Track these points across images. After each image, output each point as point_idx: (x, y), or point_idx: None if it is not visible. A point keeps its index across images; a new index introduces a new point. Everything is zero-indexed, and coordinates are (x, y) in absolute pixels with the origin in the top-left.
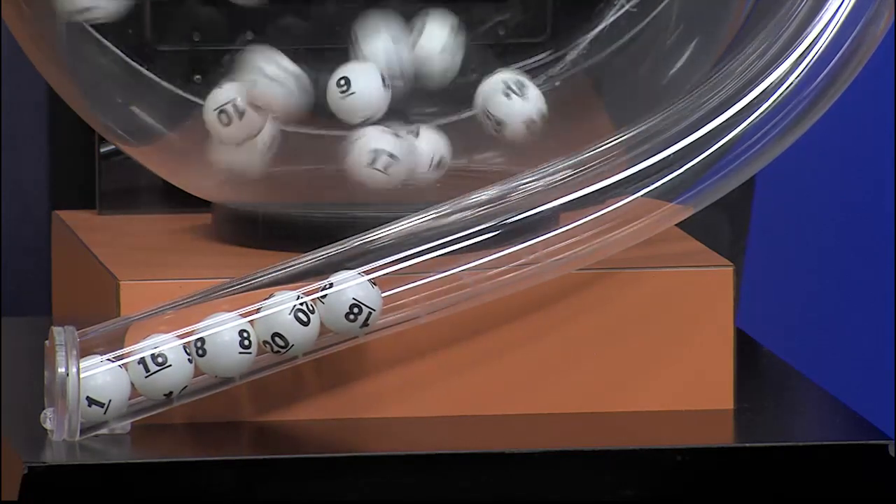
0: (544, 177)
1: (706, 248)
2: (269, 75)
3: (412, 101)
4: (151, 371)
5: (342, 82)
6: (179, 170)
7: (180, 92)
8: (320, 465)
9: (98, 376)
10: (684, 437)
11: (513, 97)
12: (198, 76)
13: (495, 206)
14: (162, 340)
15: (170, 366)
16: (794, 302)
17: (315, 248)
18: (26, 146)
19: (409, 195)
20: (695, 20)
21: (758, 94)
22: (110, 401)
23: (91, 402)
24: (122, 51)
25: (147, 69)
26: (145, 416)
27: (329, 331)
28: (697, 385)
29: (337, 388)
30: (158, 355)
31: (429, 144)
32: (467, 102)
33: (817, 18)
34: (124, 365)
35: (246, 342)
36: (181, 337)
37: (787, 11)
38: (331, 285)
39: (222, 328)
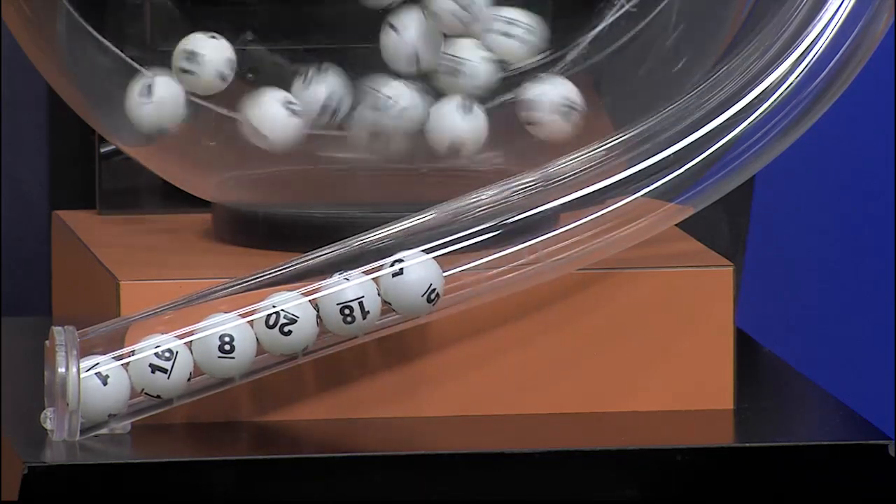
0: (544, 177)
1: (706, 248)
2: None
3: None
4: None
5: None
6: (179, 170)
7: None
8: (320, 465)
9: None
10: (684, 437)
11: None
12: None
13: (495, 206)
14: (164, 340)
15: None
16: (794, 302)
17: (315, 248)
18: (26, 146)
19: (409, 195)
20: (695, 20)
21: (758, 94)
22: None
23: (154, 368)
24: (122, 51)
25: (147, 69)
26: (145, 416)
27: (328, 331)
28: (697, 385)
29: (337, 388)
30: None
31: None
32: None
33: (817, 18)
34: (126, 365)
35: (227, 347)
36: (181, 337)
37: (787, 11)
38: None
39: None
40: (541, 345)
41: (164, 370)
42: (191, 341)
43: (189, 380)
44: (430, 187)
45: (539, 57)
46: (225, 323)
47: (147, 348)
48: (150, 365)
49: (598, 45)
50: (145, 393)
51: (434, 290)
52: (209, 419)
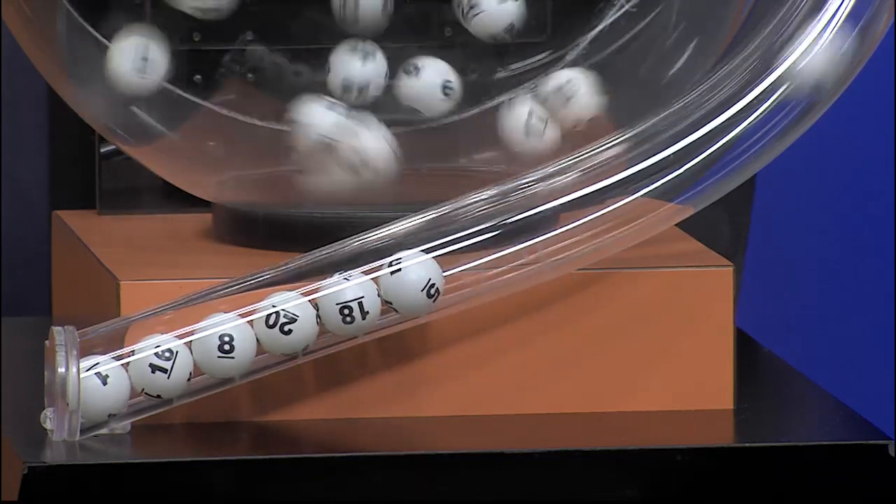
0: (544, 177)
1: (706, 248)
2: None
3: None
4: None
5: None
6: (179, 170)
7: (180, 92)
8: (320, 465)
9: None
10: (684, 437)
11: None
12: (198, 76)
13: (495, 206)
14: (164, 340)
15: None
16: (794, 302)
17: (315, 248)
18: (26, 146)
19: (409, 195)
20: (695, 20)
21: (758, 94)
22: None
23: (154, 368)
24: None
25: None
26: (145, 416)
27: (327, 331)
28: (697, 385)
29: (337, 388)
30: (165, 350)
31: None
32: (466, 103)
33: (817, 18)
34: (125, 365)
35: (227, 346)
36: (181, 336)
37: (787, 11)
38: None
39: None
40: (541, 345)
41: (164, 370)
42: (191, 341)
43: (189, 380)
44: (430, 187)
45: (539, 56)
46: (225, 323)
47: (147, 348)
48: (150, 365)
49: (598, 45)
50: (145, 393)
51: (433, 285)
52: (209, 419)
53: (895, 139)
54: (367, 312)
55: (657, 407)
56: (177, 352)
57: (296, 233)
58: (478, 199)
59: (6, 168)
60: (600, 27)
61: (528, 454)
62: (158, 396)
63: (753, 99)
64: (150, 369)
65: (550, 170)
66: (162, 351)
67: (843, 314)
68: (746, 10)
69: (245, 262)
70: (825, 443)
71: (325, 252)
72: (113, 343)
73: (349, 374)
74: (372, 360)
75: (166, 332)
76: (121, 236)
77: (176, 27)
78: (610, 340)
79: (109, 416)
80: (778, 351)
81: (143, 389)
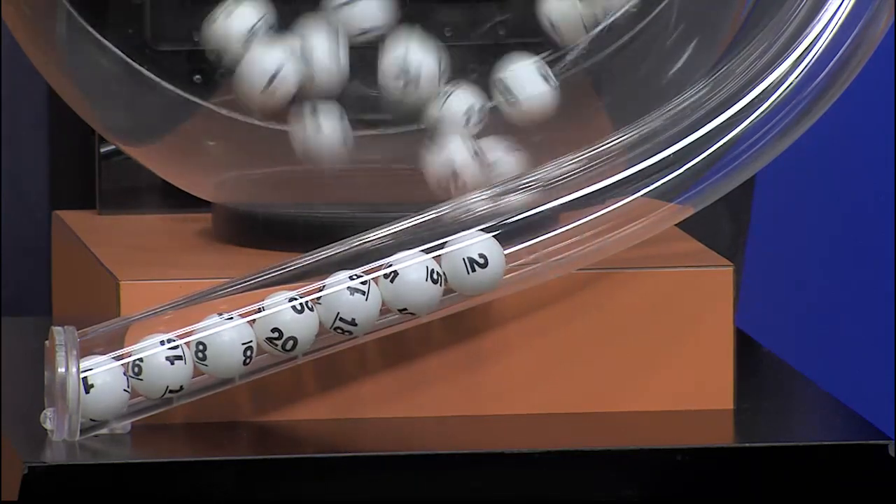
0: (544, 177)
1: (706, 247)
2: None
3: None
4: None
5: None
6: (179, 170)
7: (180, 92)
8: (320, 465)
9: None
10: (684, 437)
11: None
12: (198, 76)
13: (495, 206)
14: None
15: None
16: (794, 302)
17: (315, 248)
18: (26, 146)
19: (409, 195)
20: (695, 20)
21: (758, 94)
22: (181, 386)
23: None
24: (122, 51)
25: (147, 69)
26: (145, 416)
27: (325, 331)
28: (697, 385)
29: (337, 388)
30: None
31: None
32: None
33: (817, 18)
34: (126, 365)
35: (248, 352)
36: (181, 337)
37: (787, 11)
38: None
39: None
40: (541, 345)
41: (180, 357)
42: (191, 342)
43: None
44: (430, 187)
45: (539, 56)
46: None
47: (152, 346)
48: (167, 357)
49: (598, 45)
50: (169, 391)
51: (433, 270)
52: (209, 419)
53: (895, 139)
54: (357, 325)
55: (657, 407)
56: (184, 346)
57: (296, 233)
58: (478, 199)
59: (6, 168)
60: (600, 27)
61: (528, 454)
62: (181, 388)
63: (753, 99)
64: (168, 361)
65: (550, 170)
66: (171, 346)
67: (843, 314)
68: (746, 10)
69: (245, 262)
70: (825, 443)
71: (325, 252)
72: (113, 343)
73: (349, 374)
74: (372, 360)
75: (166, 332)
76: (121, 236)
77: (176, 27)
78: (610, 340)
79: (110, 416)
80: (778, 351)
81: (167, 387)
